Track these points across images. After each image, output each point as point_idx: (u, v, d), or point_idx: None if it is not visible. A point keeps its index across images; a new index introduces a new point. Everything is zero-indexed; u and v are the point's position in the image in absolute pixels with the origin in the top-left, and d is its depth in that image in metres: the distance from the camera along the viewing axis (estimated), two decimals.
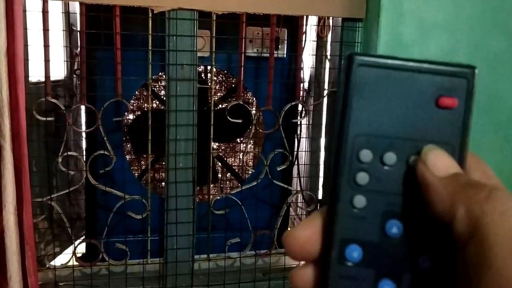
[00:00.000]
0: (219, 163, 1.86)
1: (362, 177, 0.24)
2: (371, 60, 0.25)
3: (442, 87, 0.25)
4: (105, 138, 1.43)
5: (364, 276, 0.24)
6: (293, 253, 0.26)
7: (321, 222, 0.26)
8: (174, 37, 1.39)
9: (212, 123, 1.49)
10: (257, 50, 1.62)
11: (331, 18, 1.60)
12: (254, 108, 1.76)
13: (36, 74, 1.45)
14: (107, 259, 1.50)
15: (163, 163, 1.69)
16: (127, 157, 1.73)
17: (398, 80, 0.25)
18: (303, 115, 1.70)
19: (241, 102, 1.51)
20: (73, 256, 1.48)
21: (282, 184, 1.64)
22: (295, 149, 1.75)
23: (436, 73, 0.25)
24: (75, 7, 1.63)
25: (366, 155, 0.24)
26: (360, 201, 0.24)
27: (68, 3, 1.57)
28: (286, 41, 1.66)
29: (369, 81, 0.24)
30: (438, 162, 0.24)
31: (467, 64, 0.25)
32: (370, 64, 0.25)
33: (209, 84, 1.57)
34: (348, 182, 0.24)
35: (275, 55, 1.53)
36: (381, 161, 0.24)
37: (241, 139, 1.85)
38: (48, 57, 1.34)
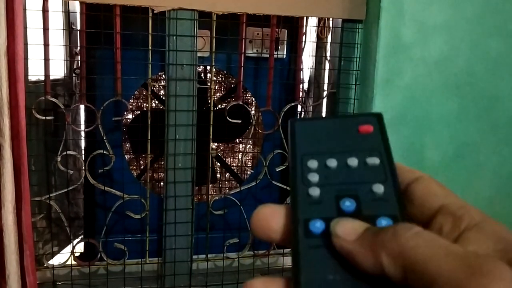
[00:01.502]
0: (218, 163, 1.86)
1: (312, 176, 0.30)
2: (306, 120, 0.38)
3: (360, 122, 0.33)
4: (104, 138, 1.43)
5: (328, 246, 0.28)
6: (257, 228, 0.29)
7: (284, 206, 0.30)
8: (174, 37, 1.39)
9: (211, 123, 1.49)
10: (257, 50, 1.62)
11: (331, 19, 1.60)
12: (253, 109, 1.76)
13: (35, 73, 1.45)
14: (105, 259, 1.50)
15: (162, 163, 1.69)
16: (126, 156, 1.72)
17: (327, 126, 0.33)
18: (302, 116, 1.70)
19: (240, 103, 1.51)
20: (71, 255, 1.48)
21: (281, 185, 1.64)
22: None
23: (354, 117, 0.34)
24: (75, 6, 1.63)
25: (312, 163, 0.31)
26: (314, 191, 0.29)
27: (68, 2, 1.56)
28: (286, 42, 1.66)
29: (307, 128, 0.33)
30: (346, 229, 0.26)
31: (375, 112, 0.33)
32: (305, 121, 0.36)
33: (209, 84, 1.58)
34: (302, 182, 0.30)
35: (275, 56, 1.53)
36: (325, 166, 0.31)
37: (240, 139, 1.85)
38: (48, 56, 1.34)
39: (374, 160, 0.31)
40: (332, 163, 0.31)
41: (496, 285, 0.20)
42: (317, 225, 0.28)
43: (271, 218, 0.29)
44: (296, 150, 0.32)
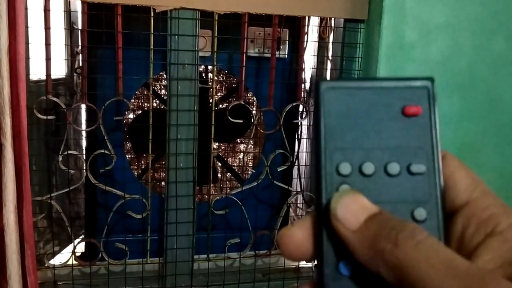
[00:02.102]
0: (219, 163, 1.85)
1: (352, 191, 0.26)
2: (336, 84, 0.27)
3: (405, 98, 0.26)
4: (105, 137, 1.43)
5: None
6: (288, 253, 0.26)
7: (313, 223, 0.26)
8: (176, 37, 1.39)
9: (213, 123, 1.49)
10: (259, 50, 1.62)
11: (333, 19, 1.59)
12: (254, 108, 1.76)
13: (36, 72, 1.44)
14: (106, 259, 1.49)
15: (163, 162, 1.69)
16: (127, 156, 1.72)
17: (364, 98, 0.26)
18: (304, 116, 1.70)
19: (242, 102, 1.51)
20: (72, 255, 1.47)
21: (282, 185, 1.63)
22: (296, 149, 1.75)
23: (398, 88, 0.27)
24: (76, 6, 1.63)
25: (345, 167, 0.26)
26: None
27: (70, 1, 1.56)
28: (287, 42, 1.66)
29: (337, 102, 0.26)
30: (348, 214, 0.24)
31: (426, 76, 0.27)
32: (335, 87, 0.27)
33: (210, 84, 1.57)
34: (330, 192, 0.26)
35: (277, 56, 1.52)
36: (360, 172, 0.26)
37: (242, 139, 1.85)
38: (49, 55, 1.34)
39: (419, 168, 0.26)
40: (369, 168, 0.26)
41: None
42: (345, 270, 0.25)
43: (302, 242, 0.26)
44: (325, 141, 0.26)
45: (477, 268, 0.21)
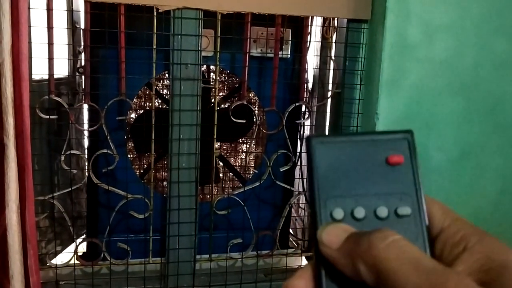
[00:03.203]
0: (221, 163, 1.85)
1: (335, 223, 0.28)
2: (326, 139, 0.30)
3: (388, 149, 0.30)
4: (108, 137, 1.42)
5: None
6: None
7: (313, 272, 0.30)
8: (179, 36, 1.38)
9: (215, 123, 1.49)
10: (261, 50, 1.62)
11: (336, 19, 1.59)
12: (256, 109, 1.75)
13: (39, 71, 1.44)
14: (108, 258, 1.49)
15: (165, 162, 1.69)
16: (130, 156, 1.72)
17: (351, 150, 0.30)
18: (306, 116, 1.70)
19: (245, 102, 1.51)
20: (74, 255, 1.47)
21: (285, 185, 1.63)
22: (298, 150, 1.75)
23: (381, 140, 0.30)
24: (79, 5, 1.63)
25: (338, 213, 0.29)
26: None
27: (72, 1, 1.56)
28: (290, 42, 1.66)
29: (328, 155, 0.29)
30: (331, 236, 0.28)
31: (405, 129, 0.31)
32: (325, 142, 0.30)
33: (212, 84, 1.57)
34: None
35: (279, 56, 1.52)
36: (352, 216, 0.29)
37: (244, 139, 1.84)
38: (52, 55, 1.34)
39: (405, 210, 0.29)
40: (360, 213, 0.29)
41: None
42: None
43: None
44: (319, 190, 0.29)
45: (442, 267, 0.24)
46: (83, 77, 1.60)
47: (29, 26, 1.28)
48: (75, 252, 1.47)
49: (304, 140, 0.29)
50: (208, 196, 1.69)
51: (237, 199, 1.56)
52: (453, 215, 0.31)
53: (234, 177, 1.86)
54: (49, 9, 1.31)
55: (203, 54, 1.46)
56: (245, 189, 1.60)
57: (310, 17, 1.56)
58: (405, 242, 0.26)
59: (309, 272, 0.30)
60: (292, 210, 1.78)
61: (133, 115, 1.74)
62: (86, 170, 1.45)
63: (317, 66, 1.76)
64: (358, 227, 0.28)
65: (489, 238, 0.28)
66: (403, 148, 0.30)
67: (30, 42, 1.28)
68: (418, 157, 0.30)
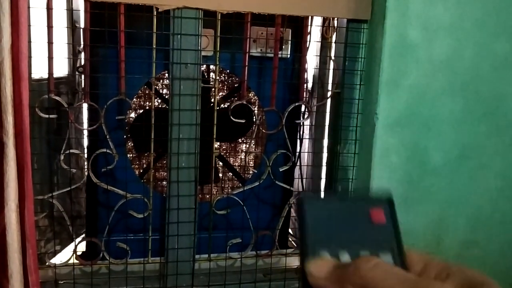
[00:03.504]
0: (221, 163, 1.85)
1: (322, 256, 0.32)
2: (316, 199, 0.34)
3: (373, 207, 0.33)
4: (107, 136, 1.42)
5: None
6: None
7: None
8: (179, 36, 1.38)
9: (215, 122, 1.49)
10: (261, 50, 1.62)
11: (336, 19, 1.59)
12: (256, 108, 1.75)
13: (38, 71, 1.44)
14: (107, 258, 1.49)
15: (164, 161, 1.69)
16: (129, 155, 1.72)
17: (338, 207, 0.33)
18: (306, 116, 1.70)
19: (244, 102, 1.51)
20: (74, 254, 1.47)
21: (284, 185, 1.63)
22: (298, 150, 1.75)
23: (368, 201, 0.34)
24: (79, 4, 1.63)
25: (324, 255, 0.32)
26: None
27: (72, 0, 1.56)
28: (290, 42, 1.66)
29: (318, 210, 0.33)
30: (318, 269, 0.31)
31: (386, 194, 0.34)
32: (315, 200, 0.34)
33: (212, 83, 1.57)
34: None
35: (279, 55, 1.52)
36: (337, 259, 0.31)
37: (243, 139, 1.84)
38: (52, 54, 1.34)
39: (387, 258, 0.31)
40: (345, 257, 0.31)
41: None
42: None
43: None
44: (306, 237, 0.32)
45: (425, 279, 0.28)
46: (82, 76, 1.60)
47: (29, 25, 1.28)
48: (74, 251, 1.47)
49: (296, 200, 0.35)
50: (208, 196, 1.69)
51: (237, 199, 1.56)
52: (430, 256, 0.33)
53: (233, 177, 1.86)
54: (49, 8, 1.31)
55: (203, 53, 1.46)
56: (245, 189, 1.60)
57: (310, 17, 1.56)
58: (388, 264, 0.29)
59: None
60: (292, 210, 1.78)
61: (132, 115, 1.74)
62: (86, 170, 1.45)
63: (316, 66, 1.76)
64: None
65: (467, 268, 0.31)
66: (385, 208, 0.34)
67: (29, 41, 1.28)
68: (397, 217, 0.34)
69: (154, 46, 1.38)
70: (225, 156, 1.85)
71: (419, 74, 1.44)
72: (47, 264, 1.50)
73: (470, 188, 1.56)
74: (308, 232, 0.32)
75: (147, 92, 1.70)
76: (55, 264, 1.48)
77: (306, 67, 1.60)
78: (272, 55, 1.53)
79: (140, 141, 1.69)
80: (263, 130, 1.68)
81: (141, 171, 1.75)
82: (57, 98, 1.37)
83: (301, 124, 1.73)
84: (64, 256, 1.51)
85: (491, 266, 1.62)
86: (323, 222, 0.33)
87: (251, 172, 1.81)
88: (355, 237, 0.32)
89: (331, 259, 0.31)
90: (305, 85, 1.63)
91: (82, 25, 1.50)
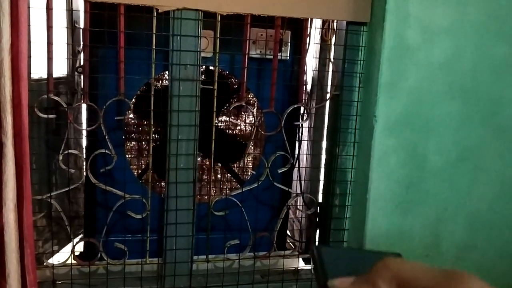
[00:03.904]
0: (219, 164, 1.85)
1: None
2: (330, 247, 0.41)
3: (382, 255, 0.36)
4: (106, 137, 1.42)
5: None
6: None
7: None
8: (178, 37, 1.38)
9: (214, 124, 1.49)
10: (260, 51, 1.62)
11: (335, 21, 1.59)
12: (255, 110, 1.75)
13: (38, 71, 1.44)
14: (105, 258, 1.49)
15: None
16: (128, 156, 1.72)
17: (352, 256, 0.39)
18: (305, 117, 1.70)
19: (243, 104, 1.51)
20: (71, 255, 1.47)
21: (283, 187, 1.63)
22: (296, 151, 1.75)
23: (376, 253, 0.38)
24: (79, 5, 1.63)
25: None
26: None
27: (72, 0, 1.56)
28: (289, 43, 1.66)
29: (333, 256, 0.38)
30: (342, 281, 0.34)
31: (395, 252, 0.38)
32: (330, 249, 0.40)
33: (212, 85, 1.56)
34: None
35: (279, 57, 1.52)
36: None
37: (243, 140, 1.84)
38: (51, 54, 1.34)
39: None
40: None
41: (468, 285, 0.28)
42: None
43: None
44: (325, 272, 0.36)
45: (450, 269, 0.30)
46: (82, 76, 1.60)
47: (29, 25, 1.28)
48: (72, 251, 1.47)
49: (314, 247, 0.39)
50: (206, 197, 1.69)
51: (235, 200, 1.56)
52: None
53: (232, 178, 1.86)
54: (49, 9, 1.31)
55: (203, 55, 1.46)
56: (243, 190, 1.60)
57: (309, 19, 1.56)
58: (412, 262, 0.32)
59: None
60: (290, 211, 1.78)
61: (131, 115, 1.73)
62: (84, 170, 1.45)
63: (316, 68, 1.76)
64: None
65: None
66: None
67: (29, 41, 1.28)
68: None
69: (154, 47, 1.38)
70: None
71: (418, 77, 1.44)
72: (45, 264, 1.50)
73: (469, 191, 1.56)
74: (326, 267, 0.36)
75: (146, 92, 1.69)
76: (53, 264, 1.47)
77: (305, 69, 1.60)
78: (271, 56, 1.53)
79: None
80: (262, 132, 1.68)
81: (140, 171, 1.75)
82: (56, 98, 1.37)
83: (300, 126, 1.74)
84: (62, 256, 1.51)
85: (489, 269, 1.63)
86: (339, 264, 0.37)
87: (249, 174, 1.81)
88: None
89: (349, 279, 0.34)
90: (304, 87, 1.64)
91: (81, 25, 1.50)
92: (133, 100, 1.61)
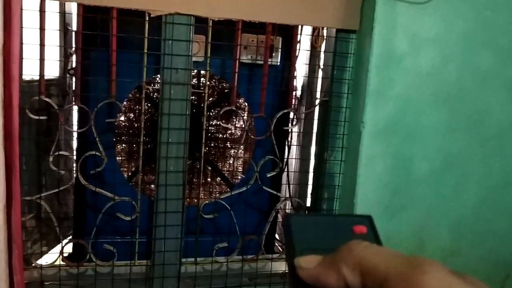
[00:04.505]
0: (209, 168, 1.86)
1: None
2: (302, 216, 0.39)
3: (354, 223, 0.36)
4: (97, 139, 1.43)
5: None
6: None
7: None
8: (170, 41, 1.40)
9: (204, 127, 1.50)
10: (251, 57, 1.64)
11: (325, 28, 1.62)
12: (246, 114, 1.77)
13: (29, 72, 1.45)
14: (94, 260, 1.49)
15: (153, 165, 1.70)
16: (118, 158, 1.73)
17: (323, 222, 0.37)
18: (294, 123, 1.72)
19: (233, 108, 1.53)
20: (60, 256, 1.47)
21: (271, 191, 1.65)
22: (285, 156, 1.77)
23: (350, 217, 0.37)
24: (71, 7, 1.63)
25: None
26: None
27: (64, 3, 1.57)
28: (280, 49, 1.68)
29: (304, 225, 0.36)
30: (307, 260, 0.32)
31: (366, 214, 0.37)
32: (301, 217, 0.37)
33: (202, 89, 1.58)
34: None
35: (269, 63, 1.54)
36: None
37: (232, 144, 1.86)
38: (43, 56, 1.34)
39: None
40: None
41: (433, 278, 0.26)
42: None
43: None
44: (293, 243, 0.34)
45: (413, 256, 0.28)
46: (73, 78, 1.61)
47: (21, 27, 1.29)
48: (61, 252, 1.47)
49: (282, 216, 0.39)
50: (195, 200, 1.70)
51: (224, 203, 1.58)
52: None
53: (221, 181, 1.88)
54: (42, 11, 1.32)
55: (194, 59, 1.48)
56: (232, 193, 1.61)
57: (300, 26, 1.59)
58: (377, 245, 0.30)
59: None
60: (278, 215, 1.80)
61: (122, 118, 1.74)
62: (74, 171, 1.46)
63: (306, 74, 1.79)
64: None
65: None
66: (366, 223, 0.36)
67: (21, 43, 1.29)
68: (378, 231, 0.36)
69: (146, 51, 1.40)
70: (213, 161, 1.87)
71: (405, 85, 1.47)
72: (33, 265, 1.50)
73: (453, 197, 1.59)
74: (294, 239, 0.34)
75: (137, 95, 1.71)
76: (41, 265, 1.48)
77: (295, 75, 1.62)
78: (262, 62, 1.55)
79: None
80: (252, 136, 1.70)
81: (130, 174, 1.76)
82: (47, 99, 1.38)
83: (290, 130, 1.76)
84: (51, 257, 1.51)
85: (473, 274, 1.65)
86: (309, 232, 0.35)
87: (239, 177, 1.83)
88: (338, 245, 0.33)
89: (318, 255, 0.32)
90: (294, 92, 1.66)
91: (74, 28, 1.51)
92: (124, 102, 1.62)
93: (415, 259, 0.28)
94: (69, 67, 1.69)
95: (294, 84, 1.64)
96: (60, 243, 1.49)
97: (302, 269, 0.31)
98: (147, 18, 1.35)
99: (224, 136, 1.82)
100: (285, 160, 1.75)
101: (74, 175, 1.47)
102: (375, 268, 0.28)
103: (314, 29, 1.68)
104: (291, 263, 0.33)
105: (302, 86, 1.84)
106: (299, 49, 1.62)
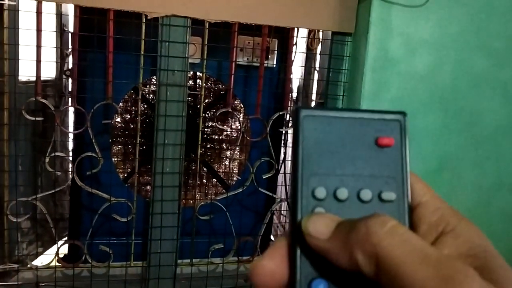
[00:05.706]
0: (205, 169, 1.87)
1: (320, 212, 0.27)
2: (315, 113, 0.28)
3: (379, 130, 0.28)
4: (93, 140, 1.43)
5: None
6: (262, 283, 0.26)
7: (286, 249, 0.27)
8: (166, 43, 1.40)
9: (200, 129, 1.51)
10: (248, 59, 1.65)
11: (321, 31, 1.63)
12: (241, 116, 1.78)
13: (26, 73, 1.45)
14: (90, 261, 1.50)
15: (149, 166, 1.70)
16: (114, 159, 1.73)
17: (340, 127, 0.28)
18: (290, 124, 1.73)
19: (229, 110, 1.53)
20: (56, 257, 1.47)
21: (267, 192, 1.66)
22: (281, 157, 1.78)
23: (373, 120, 0.28)
24: (67, 9, 1.64)
25: (320, 192, 0.27)
26: None
27: (61, 4, 1.57)
28: (276, 52, 1.69)
29: (316, 130, 0.28)
30: (318, 227, 0.25)
31: (399, 110, 0.29)
32: (314, 115, 0.28)
33: (198, 90, 1.59)
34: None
35: (265, 65, 1.55)
36: (335, 197, 0.27)
37: (228, 145, 1.86)
38: (40, 57, 1.35)
39: (390, 196, 0.27)
40: (343, 194, 0.27)
41: None
42: (321, 286, 0.25)
43: (275, 271, 0.26)
44: (302, 165, 0.27)
45: (446, 256, 0.23)
46: (70, 80, 1.61)
47: (18, 29, 1.30)
48: (57, 253, 1.47)
49: (292, 112, 0.25)
50: (191, 201, 1.70)
51: (220, 205, 1.58)
52: (433, 193, 0.29)
53: (217, 182, 1.88)
54: (39, 12, 1.32)
55: (190, 61, 1.49)
56: (228, 195, 1.62)
57: (296, 29, 1.60)
58: (405, 229, 0.24)
59: (280, 252, 0.27)
60: (274, 217, 1.80)
61: (118, 119, 1.75)
62: (70, 173, 1.46)
63: (302, 76, 1.79)
64: (339, 209, 0.26)
65: (466, 221, 0.27)
66: (394, 130, 0.28)
67: (17, 44, 1.29)
68: (408, 140, 0.29)
69: (142, 52, 1.40)
70: (209, 162, 1.87)
71: (400, 87, 1.48)
72: (28, 266, 1.50)
73: (448, 199, 1.58)
74: (304, 158, 0.27)
75: (133, 97, 1.71)
76: (36, 266, 1.47)
77: (291, 77, 1.63)
78: (258, 64, 1.56)
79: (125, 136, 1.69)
80: (248, 138, 1.70)
81: (126, 175, 1.76)
82: (43, 101, 1.38)
83: (285, 132, 1.76)
84: (46, 258, 1.51)
85: None
86: (322, 144, 0.27)
87: (235, 179, 1.84)
88: (357, 167, 0.27)
89: (331, 216, 0.26)
90: (290, 94, 1.66)
91: (71, 29, 1.52)
92: (120, 104, 1.62)
93: (450, 267, 0.22)
94: (65, 68, 1.70)
95: (290, 86, 1.64)
96: (56, 244, 1.49)
97: (312, 237, 0.25)
98: (144, 20, 1.36)
99: (220, 137, 1.82)
100: (281, 161, 1.76)
101: (70, 176, 1.47)
102: (396, 268, 0.22)
103: (310, 32, 1.69)
104: (294, 208, 0.27)
105: (298, 88, 1.85)
106: (295, 52, 1.62)
